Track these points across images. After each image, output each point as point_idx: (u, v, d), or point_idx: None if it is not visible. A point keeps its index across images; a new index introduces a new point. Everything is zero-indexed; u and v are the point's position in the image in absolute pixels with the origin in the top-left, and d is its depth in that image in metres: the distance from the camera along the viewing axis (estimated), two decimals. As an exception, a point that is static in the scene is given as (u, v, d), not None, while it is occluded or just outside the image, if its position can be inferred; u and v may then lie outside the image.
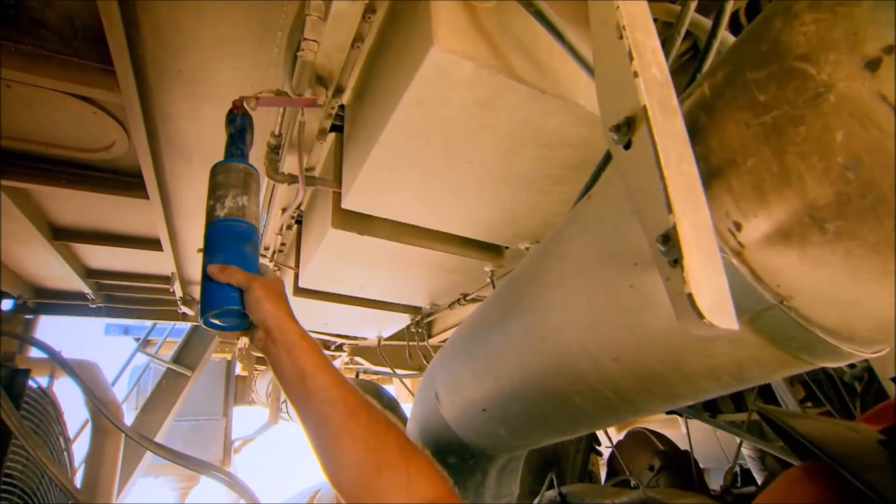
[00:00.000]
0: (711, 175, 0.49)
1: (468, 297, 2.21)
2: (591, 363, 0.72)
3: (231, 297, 0.80)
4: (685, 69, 1.32)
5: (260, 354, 4.34)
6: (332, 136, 1.59)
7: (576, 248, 0.72)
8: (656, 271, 0.55)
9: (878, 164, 0.38)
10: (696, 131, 0.51)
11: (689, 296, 0.41)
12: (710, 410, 2.46)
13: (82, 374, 1.99)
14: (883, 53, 0.36)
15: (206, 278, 0.81)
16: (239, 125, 1.04)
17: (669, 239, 0.45)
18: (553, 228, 0.87)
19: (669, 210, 0.43)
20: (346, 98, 1.42)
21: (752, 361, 0.55)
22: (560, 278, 0.76)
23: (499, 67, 0.96)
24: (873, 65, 0.37)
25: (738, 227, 0.48)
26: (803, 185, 0.42)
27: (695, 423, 2.32)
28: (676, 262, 0.45)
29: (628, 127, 0.53)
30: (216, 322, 0.84)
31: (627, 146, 0.54)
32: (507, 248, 1.86)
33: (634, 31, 0.51)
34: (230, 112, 1.05)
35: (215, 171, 0.94)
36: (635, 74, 0.49)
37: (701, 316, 0.40)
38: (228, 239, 0.86)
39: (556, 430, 0.93)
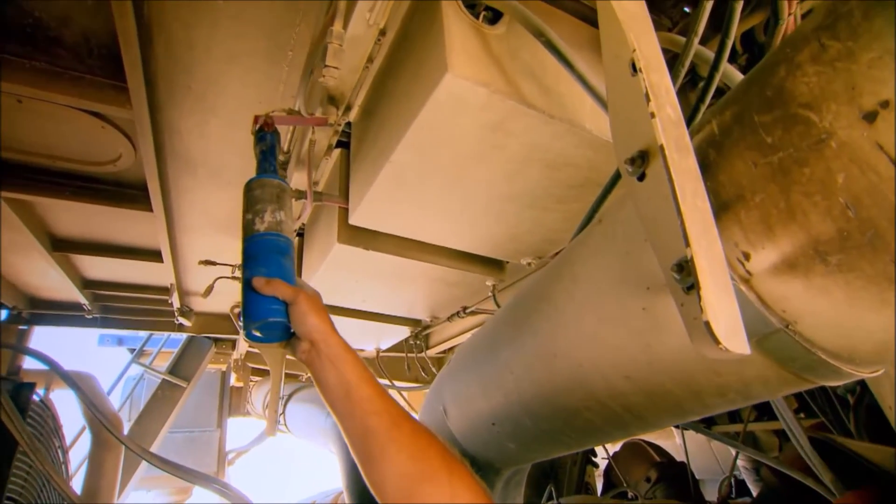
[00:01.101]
0: (721, 208, 0.53)
1: (468, 310, 2.24)
2: (603, 380, 0.75)
3: (276, 310, 0.82)
4: (682, 92, 1.38)
5: (257, 366, 4.30)
6: (337, 151, 1.63)
7: (588, 270, 0.76)
8: (668, 295, 0.59)
9: (875, 204, 0.42)
10: (707, 166, 0.55)
11: (707, 323, 0.44)
12: (705, 422, 2.50)
13: (81, 385, 1.99)
14: (879, 107, 0.41)
15: (251, 290, 0.83)
16: (269, 142, 1.07)
17: (684, 268, 0.49)
18: (564, 249, 0.91)
19: (687, 244, 0.47)
20: (353, 115, 1.46)
21: (759, 380, 0.59)
22: (572, 299, 0.79)
23: (510, 93, 1.00)
24: (870, 117, 0.41)
25: (747, 256, 0.52)
26: (808, 220, 0.46)
27: (689, 434, 2.35)
28: (690, 289, 0.49)
29: (642, 160, 0.57)
30: (257, 334, 0.85)
31: (641, 178, 0.58)
32: (507, 262, 1.90)
33: (650, 72, 0.56)
34: (260, 129, 1.08)
35: (251, 186, 0.96)
36: (652, 115, 0.53)
37: (717, 342, 0.44)
38: (269, 252, 0.88)
39: (565, 443, 0.96)
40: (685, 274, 0.49)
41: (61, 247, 2.46)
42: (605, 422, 0.81)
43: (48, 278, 2.80)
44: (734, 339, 0.45)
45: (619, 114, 0.63)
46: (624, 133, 0.61)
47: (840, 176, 0.43)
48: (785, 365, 0.55)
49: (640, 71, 0.56)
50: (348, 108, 1.38)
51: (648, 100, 0.54)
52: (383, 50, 1.26)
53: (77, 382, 1.78)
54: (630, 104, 0.59)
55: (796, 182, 0.47)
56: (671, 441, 3.09)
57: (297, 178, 1.63)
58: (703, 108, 0.87)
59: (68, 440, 2.97)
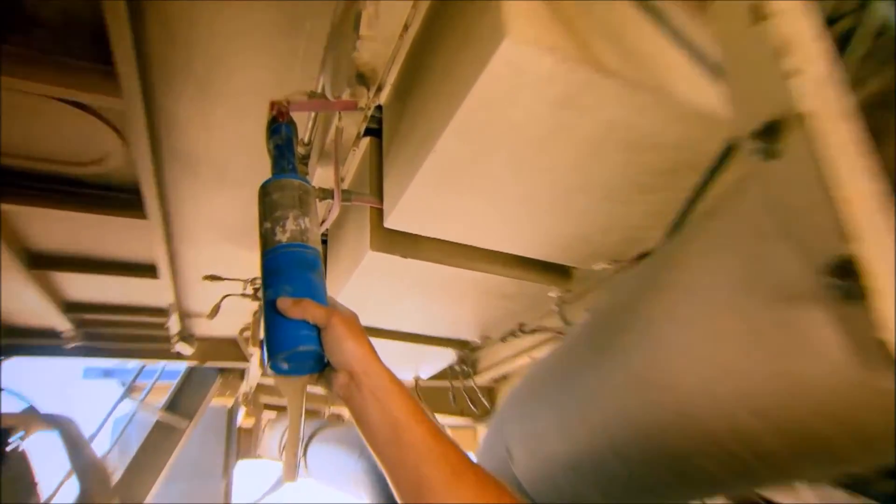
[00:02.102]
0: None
1: (526, 328, 2.21)
2: (722, 417, 0.72)
3: (307, 336, 0.81)
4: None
5: (271, 402, 4.36)
6: (365, 140, 1.63)
7: (697, 277, 0.73)
8: (817, 307, 0.56)
9: None
10: (877, 135, 0.52)
11: (884, 341, 0.41)
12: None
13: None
14: None
15: (276, 314, 0.82)
16: (285, 135, 1.07)
17: (844, 270, 0.46)
18: (658, 251, 0.88)
19: (849, 239, 0.44)
20: (383, 97, 1.46)
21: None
22: (675, 311, 0.77)
23: (582, 59, 0.98)
24: None
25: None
26: None
27: (826, 493, 2.24)
28: (853, 297, 0.46)
29: (774, 133, 0.54)
30: (284, 366, 0.84)
31: (774, 156, 0.55)
32: (576, 269, 1.87)
33: (784, 17, 0.53)
34: (273, 120, 1.09)
35: (268, 189, 0.96)
36: (789, 74, 0.50)
37: (901, 366, 0.40)
38: (295, 268, 0.87)
39: (666, 496, 0.93)
40: (844, 278, 0.46)
41: (39, 263, 2.55)
42: (725, 470, 0.78)
43: (23, 301, 2.89)
44: (924, 362, 0.41)
45: (740, 76, 0.61)
46: (747, 100, 0.59)
47: None
48: None
49: (770, 17, 0.54)
50: (380, 88, 1.38)
51: (784, 54, 0.51)
52: (419, 16, 1.26)
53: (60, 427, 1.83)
54: (755, 61, 0.57)
55: None
56: (795, 499, 2.96)
57: (321, 175, 1.64)
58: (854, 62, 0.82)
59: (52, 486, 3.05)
